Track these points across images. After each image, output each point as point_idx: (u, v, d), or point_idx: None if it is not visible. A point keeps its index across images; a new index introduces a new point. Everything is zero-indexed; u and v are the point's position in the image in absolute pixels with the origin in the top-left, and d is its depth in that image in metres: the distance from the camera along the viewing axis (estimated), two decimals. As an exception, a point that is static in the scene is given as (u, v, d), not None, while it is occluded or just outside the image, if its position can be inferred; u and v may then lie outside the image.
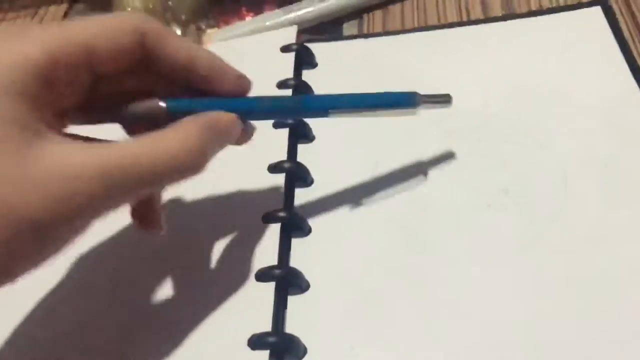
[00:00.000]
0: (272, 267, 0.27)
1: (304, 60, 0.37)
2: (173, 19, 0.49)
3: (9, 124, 0.18)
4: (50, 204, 0.17)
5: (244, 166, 0.30)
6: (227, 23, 0.45)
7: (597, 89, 0.32)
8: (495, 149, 0.31)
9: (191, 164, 0.21)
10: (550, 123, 0.31)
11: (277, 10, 0.41)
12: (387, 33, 0.39)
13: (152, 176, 0.20)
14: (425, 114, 0.27)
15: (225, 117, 0.23)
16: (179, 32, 0.48)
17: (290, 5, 0.41)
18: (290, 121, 0.32)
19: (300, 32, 0.39)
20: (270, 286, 0.26)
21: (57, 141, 0.19)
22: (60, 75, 0.19)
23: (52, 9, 0.49)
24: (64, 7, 0.49)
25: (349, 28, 0.40)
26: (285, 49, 0.37)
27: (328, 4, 0.40)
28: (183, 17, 0.48)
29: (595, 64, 0.33)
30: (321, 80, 0.36)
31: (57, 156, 0.18)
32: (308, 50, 0.37)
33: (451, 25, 0.38)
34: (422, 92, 0.27)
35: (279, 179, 0.30)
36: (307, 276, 0.27)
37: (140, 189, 0.20)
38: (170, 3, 0.49)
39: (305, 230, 0.29)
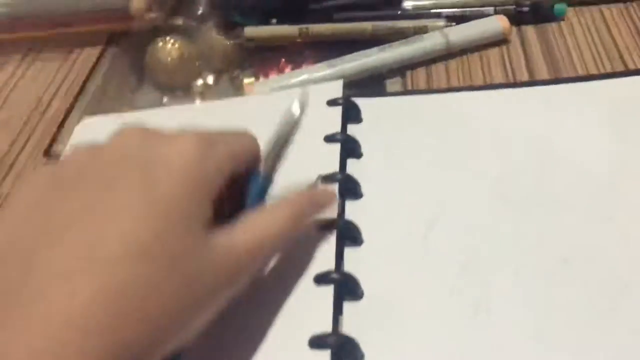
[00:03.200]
0: (329, 272, 0.28)
1: (350, 114, 0.36)
2: (207, 67, 0.49)
3: (197, 221, 0.22)
4: (225, 276, 0.23)
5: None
6: (265, 75, 0.44)
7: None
8: (554, 216, 0.30)
9: (297, 232, 0.27)
10: (606, 193, 0.30)
11: (320, 64, 0.40)
12: (431, 91, 0.38)
13: (279, 244, 0.26)
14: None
15: (325, 195, 0.30)
16: (211, 80, 0.48)
17: (334, 59, 0.40)
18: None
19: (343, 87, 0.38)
20: (329, 289, 0.27)
21: (216, 228, 0.23)
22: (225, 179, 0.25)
23: (87, 50, 0.49)
24: (98, 49, 0.49)
25: (392, 85, 0.40)
26: (332, 102, 0.36)
27: (372, 59, 0.40)
28: (218, 65, 0.48)
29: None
30: (367, 136, 0.35)
31: (224, 241, 0.23)
32: (354, 104, 0.37)
33: (498, 86, 0.38)
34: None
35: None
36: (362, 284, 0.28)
37: (271, 257, 0.27)
38: (205, 51, 0.49)
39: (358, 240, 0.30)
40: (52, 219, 0.21)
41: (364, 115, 0.37)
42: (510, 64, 0.40)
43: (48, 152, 0.42)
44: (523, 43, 0.41)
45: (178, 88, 0.48)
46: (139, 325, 0.20)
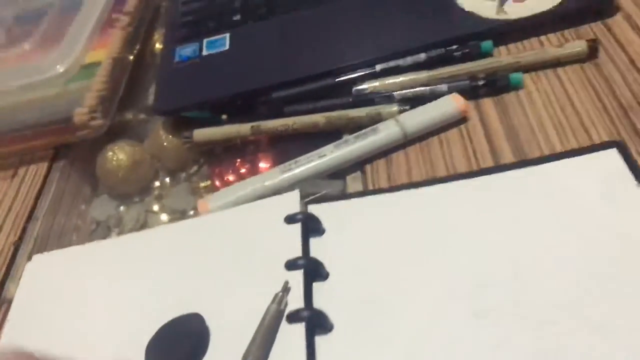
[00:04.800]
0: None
1: (311, 228, 0.34)
2: (161, 168, 0.46)
3: None
4: None
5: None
6: (221, 176, 0.42)
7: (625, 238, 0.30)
8: (535, 332, 0.28)
9: None
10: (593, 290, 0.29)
11: (273, 170, 0.38)
12: (393, 189, 0.37)
13: None
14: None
15: None
16: (168, 180, 0.46)
17: (288, 163, 0.38)
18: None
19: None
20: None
21: None
22: None
23: (33, 168, 0.47)
24: (44, 165, 0.47)
25: (353, 182, 0.38)
26: (290, 219, 0.35)
27: (328, 159, 0.38)
28: (171, 166, 0.46)
29: (619, 210, 0.31)
30: (330, 250, 0.34)
31: None
32: (314, 218, 0.35)
33: (461, 176, 0.36)
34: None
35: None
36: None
37: None
38: (156, 153, 0.47)
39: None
40: None
41: (325, 224, 0.35)
42: (471, 143, 0.38)
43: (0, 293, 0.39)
44: (482, 119, 0.39)
45: (134, 194, 0.46)
46: None
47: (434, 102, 0.39)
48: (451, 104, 0.39)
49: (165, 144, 0.46)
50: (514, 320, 0.28)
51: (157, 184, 0.46)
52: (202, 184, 0.43)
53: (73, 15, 0.51)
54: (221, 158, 0.44)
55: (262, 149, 0.43)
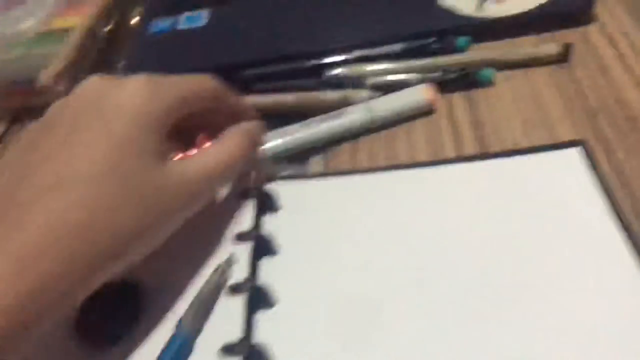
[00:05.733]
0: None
1: (266, 205, 0.34)
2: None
3: (149, 153, 0.27)
4: (178, 199, 0.27)
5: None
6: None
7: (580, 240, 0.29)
8: (486, 314, 0.27)
9: (243, 159, 0.30)
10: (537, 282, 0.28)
11: None
12: (353, 172, 0.36)
13: (229, 172, 0.30)
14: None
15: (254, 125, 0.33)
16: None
17: None
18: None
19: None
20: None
21: (171, 159, 0.28)
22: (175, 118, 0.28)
23: (-10, 128, 0.46)
24: (1, 128, 0.45)
25: (315, 165, 0.37)
26: (244, 194, 0.34)
27: (293, 137, 0.37)
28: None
29: (576, 210, 0.31)
30: (283, 227, 0.33)
31: (177, 169, 0.27)
32: (269, 194, 0.34)
33: (422, 164, 0.35)
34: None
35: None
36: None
37: (223, 182, 0.32)
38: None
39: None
40: (36, 151, 0.26)
41: (282, 201, 0.34)
42: (438, 134, 0.37)
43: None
44: (450, 111, 0.39)
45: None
46: (105, 235, 0.24)
47: (404, 91, 0.39)
48: (420, 94, 0.38)
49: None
50: (454, 308, 0.28)
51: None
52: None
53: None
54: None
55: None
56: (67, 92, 0.45)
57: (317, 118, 0.38)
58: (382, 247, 0.31)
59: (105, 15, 0.52)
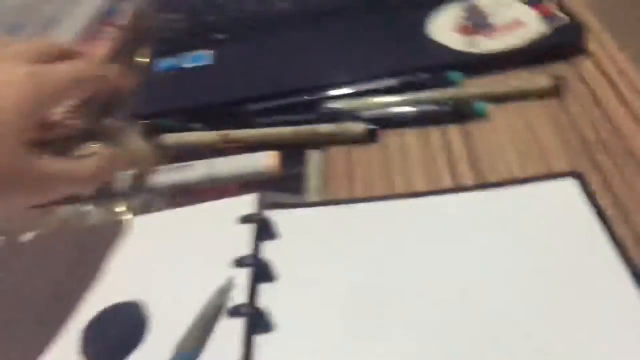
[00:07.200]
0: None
1: (265, 231, 0.34)
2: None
3: (21, 143, 0.29)
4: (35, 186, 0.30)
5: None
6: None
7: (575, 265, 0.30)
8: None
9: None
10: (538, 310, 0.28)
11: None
12: (351, 201, 0.37)
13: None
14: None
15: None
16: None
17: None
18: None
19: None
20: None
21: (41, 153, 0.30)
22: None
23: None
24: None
25: (313, 192, 0.38)
26: (244, 219, 0.35)
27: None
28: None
29: (573, 239, 0.31)
30: (282, 254, 0.33)
31: (42, 161, 0.30)
32: (268, 220, 0.35)
33: (419, 194, 0.36)
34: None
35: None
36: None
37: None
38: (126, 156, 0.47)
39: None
40: None
41: (281, 228, 0.35)
42: (434, 165, 0.38)
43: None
44: (446, 144, 0.40)
45: (98, 195, 0.45)
46: None
47: (249, 155, 0.40)
48: (263, 160, 0.40)
49: (138, 148, 0.46)
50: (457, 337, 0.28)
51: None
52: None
53: (58, 26, 0.53)
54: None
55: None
56: (79, 127, 0.48)
57: (174, 165, 0.41)
58: (379, 275, 0.32)
59: (114, 54, 0.54)
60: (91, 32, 0.51)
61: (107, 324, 0.30)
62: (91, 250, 0.36)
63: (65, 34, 0.47)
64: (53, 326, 0.31)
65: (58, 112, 0.47)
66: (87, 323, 0.30)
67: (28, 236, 0.39)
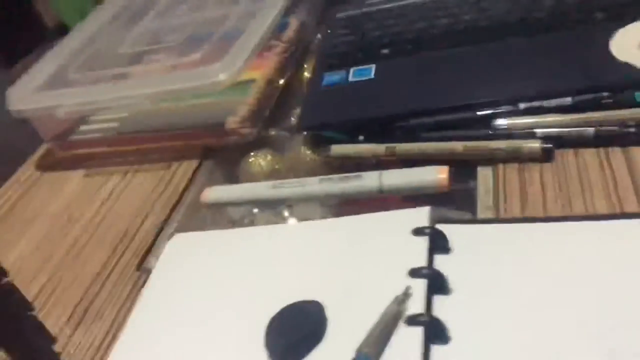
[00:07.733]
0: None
1: (438, 245, 0.35)
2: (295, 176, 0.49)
3: None
4: None
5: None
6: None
7: None
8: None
9: None
10: None
11: (267, 183, 0.44)
12: (525, 220, 0.36)
13: None
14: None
15: None
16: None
17: (279, 181, 0.44)
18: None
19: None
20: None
21: None
22: None
23: (185, 163, 0.52)
24: (195, 162, 0.52)
25: (484, 212, 0.38)
26: (418, 231, 0.35)
27: (307, 189, 0.42)
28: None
29: None
30: (456, 268, 0.34)
31: None
32: (441, 234, 0.35)
33: (599, 217, 0.35)
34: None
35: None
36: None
37: None
38: (293, 165, 0.50)
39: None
40: None
41: (453, 244, 0.35)
42: (615, 188, 0.37)
43: (140, 266, 0.43)
44: (629, 165, 0.38)
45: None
46: None
47: (419, 169, 0.40)
48: (433, 174, 0.39)
49: (302, 157, 0.49)
50: None
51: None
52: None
53: (236, 39, 0.57)
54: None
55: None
56: (250, 135, 0.52)
57: (336, 176, 0.42)
58: (556, 295, 0.31)
59: (282, 68, 0.58)
60: (266, 46, 0.55)
61: (289, 320, 0.32)
62: (266, 250, 0.39)
63: (242, 48, 0.51)
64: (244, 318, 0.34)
65: (233, 121, 0.52)
66: (270, 319, 0.33)
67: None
